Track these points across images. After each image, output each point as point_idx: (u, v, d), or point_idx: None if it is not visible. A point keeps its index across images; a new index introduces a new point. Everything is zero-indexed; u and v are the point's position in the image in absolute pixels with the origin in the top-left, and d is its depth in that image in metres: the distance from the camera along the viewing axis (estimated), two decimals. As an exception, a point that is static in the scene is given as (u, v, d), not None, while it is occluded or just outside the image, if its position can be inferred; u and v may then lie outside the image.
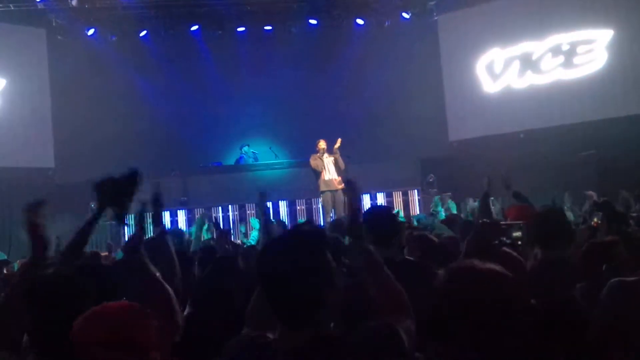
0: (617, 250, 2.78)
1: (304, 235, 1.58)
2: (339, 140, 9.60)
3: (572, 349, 1.93)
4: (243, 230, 10.50)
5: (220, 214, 11.82)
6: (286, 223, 8.32)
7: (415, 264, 3.21)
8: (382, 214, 3.18)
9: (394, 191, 12.14)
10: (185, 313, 2.88)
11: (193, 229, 8.19)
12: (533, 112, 11.91)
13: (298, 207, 11.82)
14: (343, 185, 9.82)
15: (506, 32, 12.40)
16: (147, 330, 1.52)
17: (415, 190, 12.17)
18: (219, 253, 4.43)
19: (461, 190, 10.79)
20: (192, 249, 5.03)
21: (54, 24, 12.36)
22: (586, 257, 2.84)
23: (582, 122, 11.19)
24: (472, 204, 9.13)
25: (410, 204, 12.13)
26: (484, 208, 3.80)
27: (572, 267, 3.04)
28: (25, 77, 11.87)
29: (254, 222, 9.56)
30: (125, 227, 7.15)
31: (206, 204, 11.71)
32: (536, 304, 1.71)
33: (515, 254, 2.34)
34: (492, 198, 5.48)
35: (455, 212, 9.25)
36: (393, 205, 11.96)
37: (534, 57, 12.20)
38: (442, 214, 8.83)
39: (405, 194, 12.18)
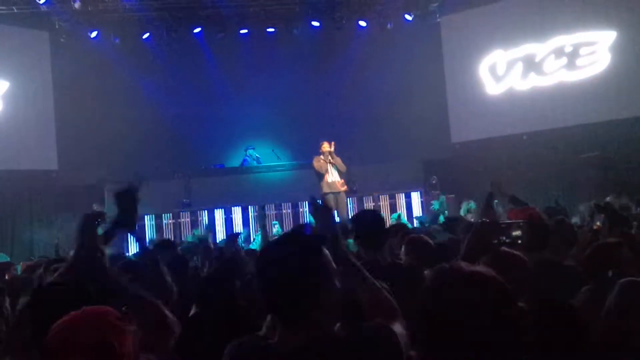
0: (622, 252, 2.77)
1: (302, 236, 1.60)
2: (333, 143, 9.62)
3: (568, 352, 1.91)
4: (244, 236, 10.35)
5: (223, 216, 11.83)
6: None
7: (402, 267, 3.22)
8: (369, 218, 3.21)
9: (397, 193, 12.15)
10: (190, 313, 2.90)
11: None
12: (536, 113, 11.87)
13: (300, 210, 11.82)
14: (346, 187, 9.88)
15: (509, 34, 12.37)
16: (123, 336, 1.49)
17: (418, 192, 12.17)
18: (227, 255, 4.66)
19: (464, 192, 10.78)
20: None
21: (57, 27, 12.37)
22: (590, 259, 2.82)
23: (586, 123, 11.14)
24: (467, 205, 9.20)
25: (412, 206, 12.14)
26: (487, 208, 3.78)
27: (570, 270, 3.03)
28: (29, 80, 11.87)
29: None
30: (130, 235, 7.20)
31: (209, 205, 11.75)
32: (525, 307, 1.70)
33: (517, 252, 2.32)
34: (496, 201, 5.47)
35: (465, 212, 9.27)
36: (395, 207, 11.99)
37: (537, 59, 12.17)
38: (442, 218, 8.81)
39: (407, 196, 12.19)
